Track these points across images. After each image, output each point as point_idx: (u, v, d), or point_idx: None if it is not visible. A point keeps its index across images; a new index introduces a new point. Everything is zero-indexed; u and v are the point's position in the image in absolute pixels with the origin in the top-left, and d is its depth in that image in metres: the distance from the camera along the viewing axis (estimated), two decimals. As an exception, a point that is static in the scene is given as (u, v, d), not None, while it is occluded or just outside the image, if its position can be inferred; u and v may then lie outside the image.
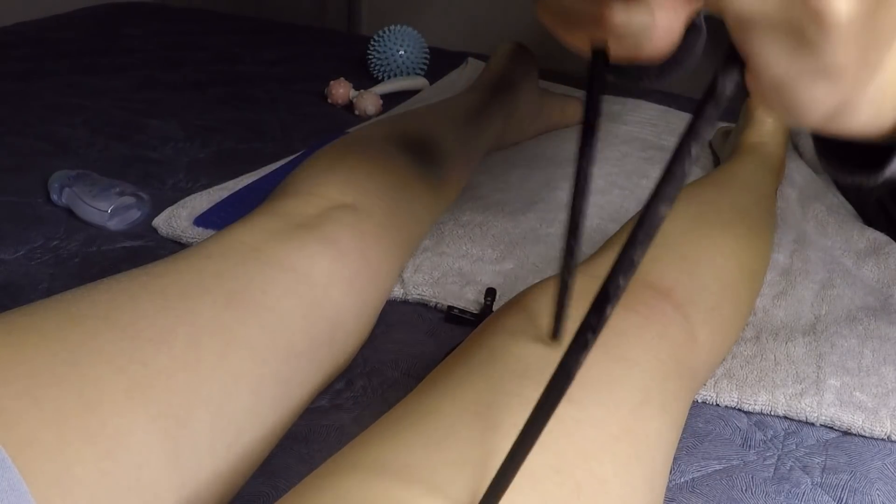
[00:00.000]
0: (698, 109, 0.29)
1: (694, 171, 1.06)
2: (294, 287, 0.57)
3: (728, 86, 0.29)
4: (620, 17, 0.36)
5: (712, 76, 0.29)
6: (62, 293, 0.50)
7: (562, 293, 0.46)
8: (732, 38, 0.29)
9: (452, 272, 0.79)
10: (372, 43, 1.35)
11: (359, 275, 0.63)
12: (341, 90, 1.23)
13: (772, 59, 0.28)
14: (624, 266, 0.30)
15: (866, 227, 0.94)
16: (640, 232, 0.29)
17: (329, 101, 1.24)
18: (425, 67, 1.36)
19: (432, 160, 0.80)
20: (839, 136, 0.32)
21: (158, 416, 0.45)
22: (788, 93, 0.29)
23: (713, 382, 0.65)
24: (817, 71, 0.28)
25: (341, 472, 0.39)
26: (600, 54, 0.40)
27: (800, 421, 0.64)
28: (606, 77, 0.41)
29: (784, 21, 0.27)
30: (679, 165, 0.28)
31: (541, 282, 0.57)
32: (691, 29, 0.52)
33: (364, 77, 1.34)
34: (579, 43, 0.40)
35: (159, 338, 0.47)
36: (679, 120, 1.22)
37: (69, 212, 0.86)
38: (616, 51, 0.38)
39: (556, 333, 0.47)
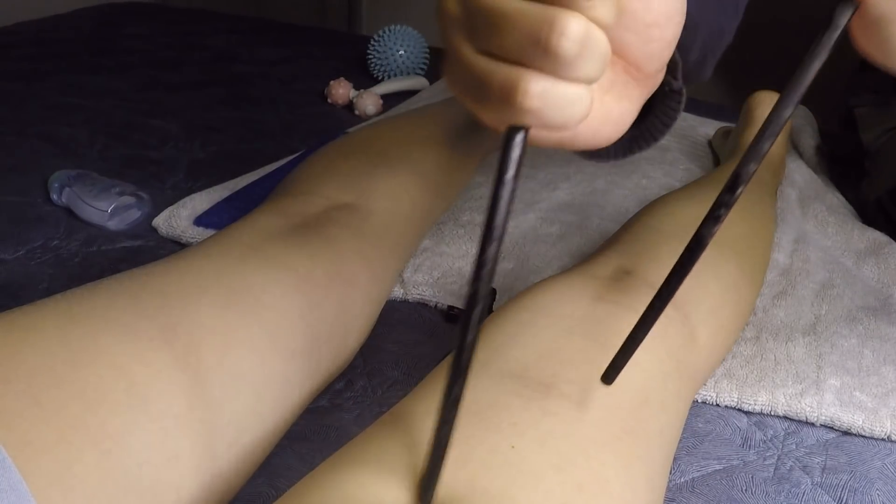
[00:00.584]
0: (818, 37, 0.35)
1: (694, 171, 1.06)
2: (294, 287, 0.57)
3: (842, 19, 0.35)
4: (538, 86, 0.29)
5: (830, 11, 0.36)
6: (62, 293, 0.50)
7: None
8: None
9: (452, 272, 0.79)
10: (372, 43, 1.35)
11: (359, 275, 0.63)
12: (341, 90, 1.23)
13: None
14: (753, 154, 0.36)
15: (866, 227, 0.94)
16: (767, 128, 0.35)
17: (329, 101, 1.24)
18: (425, 67, 1.36)
19: (433, 160, 0.80)
20: None
21: (158, 416, 0.45)
22: (886, 29, 0.36)
23: (713, 382, 0.65)
24: None
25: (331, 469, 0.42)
26: (515, 132, 0.31)
27: (800, 421, 0.63)
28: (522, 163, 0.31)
29: None
30: (804, 75, 0.35)
31: (540, 281, 0.57)
32: (666, 96, 0.50)
33: (364, 77, 1.34)
34: (495, 122, 0.32)
35: (160, 337, 0.47)
36: (680, 120, 1.21)
37: (69, 212, 0.86)
38: (540, 135, 0.32)
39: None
